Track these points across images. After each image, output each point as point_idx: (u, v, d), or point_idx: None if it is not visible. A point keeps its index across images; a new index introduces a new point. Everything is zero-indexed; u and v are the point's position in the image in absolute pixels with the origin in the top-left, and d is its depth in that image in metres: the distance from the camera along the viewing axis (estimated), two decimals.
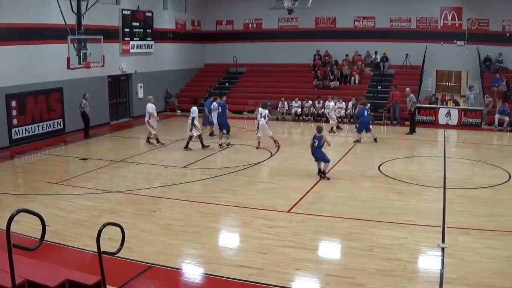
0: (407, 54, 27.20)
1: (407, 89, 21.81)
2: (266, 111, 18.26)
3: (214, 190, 12.79)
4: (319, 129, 13.98)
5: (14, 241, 4.48)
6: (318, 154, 13.88)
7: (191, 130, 17.61)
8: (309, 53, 29.30)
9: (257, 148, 17.89)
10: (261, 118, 17.95)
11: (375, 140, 19.12)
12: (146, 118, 18.69)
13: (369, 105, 21.69)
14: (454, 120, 23.47)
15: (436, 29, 27.22)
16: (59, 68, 19.40)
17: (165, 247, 9.05)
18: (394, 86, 24.49)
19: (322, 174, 13.86)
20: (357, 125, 19.81)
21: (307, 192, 12.54)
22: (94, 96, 22.35)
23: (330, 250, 9.38)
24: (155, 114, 18.66)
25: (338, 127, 22.19)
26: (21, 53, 18.66)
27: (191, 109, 17.67)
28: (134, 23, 24.99)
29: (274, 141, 18.10)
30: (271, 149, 17.83)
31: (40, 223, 4.74)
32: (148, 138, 18.97)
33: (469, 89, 25.34)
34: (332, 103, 22.24)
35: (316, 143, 13.74)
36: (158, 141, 18.65)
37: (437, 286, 7.41)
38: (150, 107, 18.62)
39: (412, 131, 21.24)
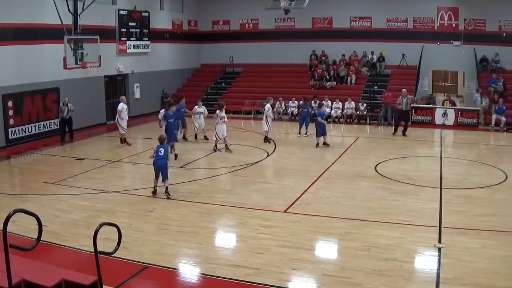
0: (403, 54, 27.21)
1: (404, 90, 21.67)
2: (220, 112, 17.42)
3: (210, 190, 12.79)
4: (161, 139, 12.39)
5: (10, 241, 4.48)
6: (160, 164, 12.07)
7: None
8: (305, 53, 29.29)
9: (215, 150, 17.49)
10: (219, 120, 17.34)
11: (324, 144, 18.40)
12: (117, 118, 18.81)
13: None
14: (450, 120, 23.52)
15: (433, 29, 27.26)
16: (56, 68, 19.39)
17: (162, 247, 9.05)
18: (385, 88, 24.63)
19: (166, 193, 12.15)
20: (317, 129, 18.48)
21: (303, 192, 12.55)
22: (91, 96, 22.40)
23: (326, 250, 9.39)
24: (121, 114, 18.56)
25: (266, 139, 19.24)
26: (18, 53, 18.62)
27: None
28: (130, 23, 24.96)
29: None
30: (268, 149, 17.86)
31: (37, 223, 4.73)
32: (121, 137, 19.00)
33: (476, 91, 24.94)
34: (269, 105, 19.50)
35: (162, 152, 12.04)
36: (123, 141, 18.80)
37: (434, 286, 7.42)
38: (119, 106, 18.73)
39: (396, 131, 21.03)
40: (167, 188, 12.19)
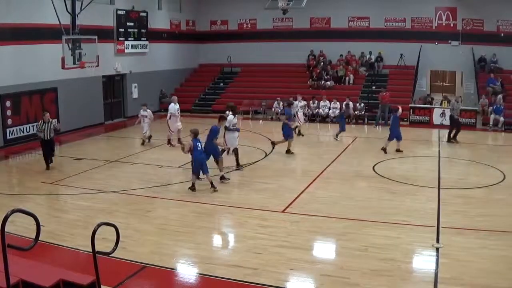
0: (401, 54, 27.27)
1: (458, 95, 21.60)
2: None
3: (208, 190, 12.77)
4: (195, 132, 12.60)
5: (8, 241, 4.48)
6: (201, 158, 12.44)
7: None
8: (303, 53, 29.33)
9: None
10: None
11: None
12: (167, 118, 18.57)
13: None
14: (448, 120, 23.44)
15: (431, 29, 27.29)
16: (54, 68, 19.31)
17: (160, 247, 9.05)
18: (383, 88, 24.61)
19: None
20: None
21: (301, 192, 12.55)
22: (89, 96, 22.38)
23: (324, 250, 9.40)
24: (176, 114, 18.30)
25: (299, 133, 20.44)
26: (16, 53, 18.61)
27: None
28: (128, 23, 24.94)
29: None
30: (266, 149, 17.85)
31: (35, 223, 4.73)
32: (169, 140, 18.58)
33: (501, 94, 23.99)
34: (298, 102, 20.99)
35: (199, 146, 12.48)
36: (177, 142, 18.30)
37: (432, 286, 7.43)
38: (172, 108, 18.42)
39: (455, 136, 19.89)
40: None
